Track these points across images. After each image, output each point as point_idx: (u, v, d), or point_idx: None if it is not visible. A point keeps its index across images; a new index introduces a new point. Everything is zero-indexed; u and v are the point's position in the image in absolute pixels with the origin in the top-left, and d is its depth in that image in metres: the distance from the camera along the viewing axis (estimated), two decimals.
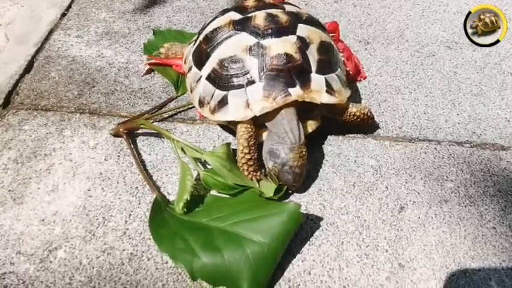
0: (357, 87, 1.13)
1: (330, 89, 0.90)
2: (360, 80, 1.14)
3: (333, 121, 0.97)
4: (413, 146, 1.00)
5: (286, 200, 0.87)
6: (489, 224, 0.86)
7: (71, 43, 1.23)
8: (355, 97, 1.09)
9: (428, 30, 1.32)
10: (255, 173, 0.88)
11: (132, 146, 0.96)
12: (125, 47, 1.22)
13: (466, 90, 1.14)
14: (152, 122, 1.01)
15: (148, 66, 1.14)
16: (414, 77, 1.17)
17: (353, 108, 0.94)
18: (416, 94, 1.12)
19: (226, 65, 0.89)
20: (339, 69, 0.96)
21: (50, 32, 1.26)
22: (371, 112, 0.97)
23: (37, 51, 1.20)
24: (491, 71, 1.19)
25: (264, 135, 0.90)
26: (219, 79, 0.89)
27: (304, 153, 0.84)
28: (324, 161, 0.95)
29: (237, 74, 0.88)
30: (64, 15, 1.33)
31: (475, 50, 1.24)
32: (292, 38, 0.89)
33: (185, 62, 1.04)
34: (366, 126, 1.00)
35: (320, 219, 0.86)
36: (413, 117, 1.06)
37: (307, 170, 0.91)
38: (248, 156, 0.87)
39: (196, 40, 1.01)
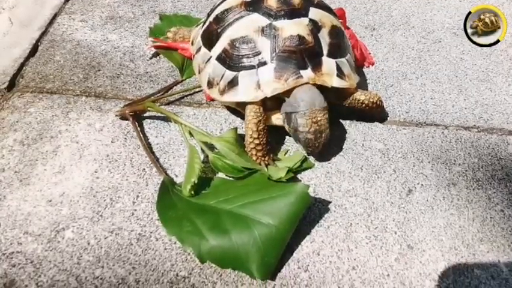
0: (363, 73, 1.12)
1: (340, 73, 0.89)
2: (368, 66, 1.14)
3: (340, 106, 0.96)
4: (420, 130, 0.99)
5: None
6: (497, 207, 0.86)
7: (76, 27, 1.22)
8: (362, 82, 1.09)
9: (434, 17, 1.31)
10: (263, 158, 0.87)
11: (139, 129, 0.95)
12: (130, 31, 1.21)
13: (472, 76, 1.13)
14: (159, 106, 1.00)
15: (154, 49, 1.13)
16: (421, 62, 1.17)
17: (361, 96, 0.93)
18: (422, 80, 1.12)
19: (237, 45, 0.88)
20: (348, 55, 0.95)
21: (55, 16, 1.25)
22: (380, 101, 0.96)
23: (42, 35, 1.19)
24: (497, 57, 1.18)
25: (274, 118, 0.89)
26: (229, 59, 0.89)
27: (319, 118, 0.83)
28: (331, 144, 0.95)
29: (248, 54, 0.87)
30: None
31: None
32: (305, 21, 0.89)
33: (192, 44, 1.03)
34: (375, 113, 0.99)
35: (328, 201, 0.86)
36: (420, 102, 1.06)
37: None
38: (257, 141, 0.86)
39: (205, 21, 1.00)
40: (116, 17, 1.26)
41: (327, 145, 0.88)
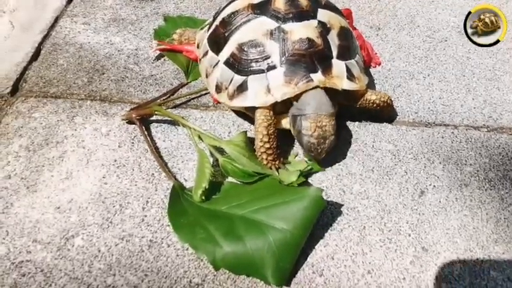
0: (370, 73, 1.12)
1: (350, 75, 0.88)
2: (375, 66, 1.13)
3: (349, 107, 0.95)
4: (430, 130, 0.99)
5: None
6: (510, 207, 0.85)
7: (78, 30, 1.20)
8: (369, 83, 1.08)
9: (439, 16, 1.30)
10: (273, 162, 0.86)
11: (146, 133, 0.94)
12: (134, 33, 1.20)
13: (479, 75, 1.13)
14: (166, 109, 0.99)
15: (158, 52, 1.11)
16: (428, 62, 1.16)
17: (372, 96, 0.92)
18: (430, 79, 1.11)
19: (245, 49, 0.86)
20: (357, 56, 0.94)
21: (56, 19, 1.23)
22: (391, 100, 0.95)
23: (44, 39, 1.17)
24: (503, 55, 1.18)
25: (284, 122, 0.88)
26: (238, 64, 0.87)
27: (324, 124, 0.81)
28: (341, 146, 0.94)
29: (257, 58, 0.86)
30: (69, 2, 1.30)
31: None
32: (314, 23, 0.88)
33: (198, 47, 1.02)
34: (384, 113, 0.98)
35: (341, 204, 0.85)
36: (428, 102, 1.05)
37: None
38: (267, 145, 0.85)
39: (211, 24, 0.98)
40: (119, 19, 1.24)
41: (330, 153, 0.86)
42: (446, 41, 1.22)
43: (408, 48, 1.20)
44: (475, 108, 1.04)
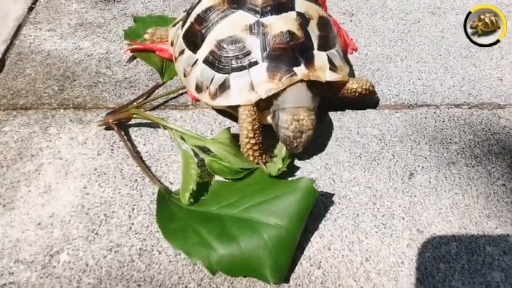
0: (348, 60, 1.10)
1: (333, 66, 0.87)
2: (352, 53, 1.12)
3: (333, 98, 0.94)
4: (412, 112, 0.98)
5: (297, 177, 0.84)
6: (499, 181, 0.85)
7: (44, 37, 1.15)
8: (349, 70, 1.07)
9: None
10: (260, 157, 0.84)
11: (125, 138, 0.90)
12: (103, 37, 1.16)
13: (455, 53, 1.13)
14: (144, 111, 0.95)
15: (130, 53, 1.08)
16: (403, 44, 1.16)
17: (353, 85, 0.91)
18: (407, 61, 1.11)
19: (225, 46, 0.84)
20: (337, 45, 0.93)
21: (19, 28, 1.18)
22: (372, 86, 0.94)
23: (7, 49, 1.11)
24: None
25: (268, 117, 0.86)
26: (218, 62, 0.84)
27: (302, 117, 0.79)
28: (326, 135, 0.93)
29: (237, 55, 0.83)
30: (31, 9, 1.24)
31: (458, 13, 1.24)
32: (293, 15, 0.85)
33: (172, 45, 0.98)
34: (367, 99, 0.97)
35: (331, 193, 0.83)
36: (408, 83, 1.05)
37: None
38: (253, 141, 0.82)
39: (185, 21, 0.95)
40: (85, 23, 1.19)
41: (307, 147, 0.84)
42: (419, 22, 1.22)
43: (383, 32, 1.19)
44: (454, 86, 1.04)
